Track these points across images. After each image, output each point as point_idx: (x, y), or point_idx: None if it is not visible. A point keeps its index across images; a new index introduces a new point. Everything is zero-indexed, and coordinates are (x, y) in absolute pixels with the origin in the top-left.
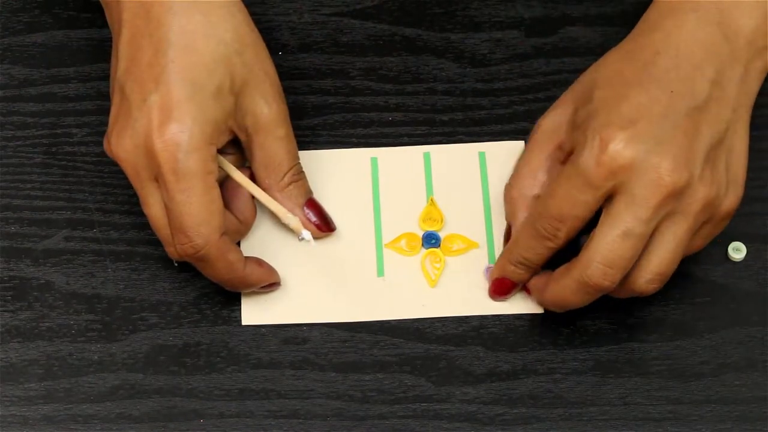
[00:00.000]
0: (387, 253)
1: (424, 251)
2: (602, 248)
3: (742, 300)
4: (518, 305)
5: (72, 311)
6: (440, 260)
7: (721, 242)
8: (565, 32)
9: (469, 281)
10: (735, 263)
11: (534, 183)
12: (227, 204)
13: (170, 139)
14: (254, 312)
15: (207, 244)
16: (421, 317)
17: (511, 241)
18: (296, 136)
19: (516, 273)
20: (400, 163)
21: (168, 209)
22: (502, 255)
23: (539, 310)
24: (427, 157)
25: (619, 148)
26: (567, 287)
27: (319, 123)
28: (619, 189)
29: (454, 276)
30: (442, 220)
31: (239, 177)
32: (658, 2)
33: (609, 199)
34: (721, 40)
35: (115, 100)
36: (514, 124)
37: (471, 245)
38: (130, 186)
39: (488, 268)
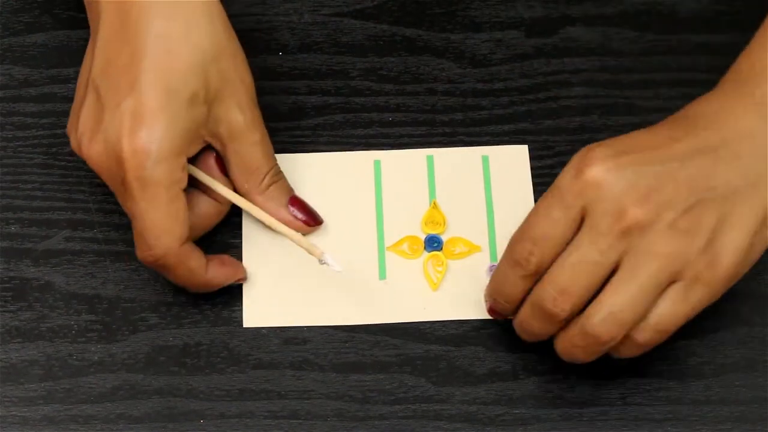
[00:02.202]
0: (389, 256)
1: (426, 254)
2: (555, 273)
3: (742, 300)
4: None
5: (72, 312)
6: (442, 263)
7: None
8: (565, 32)
9: (472, 285)
10: None
11: None
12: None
13: (140, 147)
14: (256, 315)
15: (166, 253)
16: (424, 320)
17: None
18: (296, 136)
19: (501, 306)
20: (403, 166)
21: (131, 216)
22: (487, 285)
23: None
24: (430, 160)
25: (597, 169)
26: (525, 310)
27: (319, 123)
28: (586, 214)
29: (457, 279)
30: (444, 224)
31: (239, 199)
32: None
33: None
34: (758, 120)
35: (89, 99)
36: (514, 125)
37: (473, 249)
38: None
39: (491, 267)
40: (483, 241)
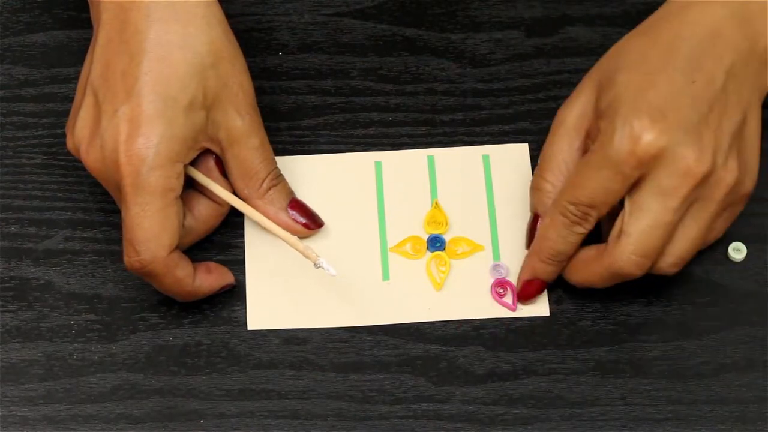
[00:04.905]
0: (392, 256)
1: (429, 255)
2: (634, 239)
3: (742, 300)
4: (524, 308)
5: (72, 311)
6: (445, 263)
7: (721, 242)
8: (565, 32)
9: (475, 284)
10: (735, 263)
11: (565, 173)
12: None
13: (135, 154)
14: (260, 317)
15: (153, 260)
16: (427, 321)
17: (537, 238)
18: (296, 136)
19: (547, 270)
20: (404, 166)
21: (123, 220)
22: (529, 256)
23: (545, 313)
24: (431, 160)
25: (651, 139)
26: (597, 274)
27: (319, 123)
28: (645, 177)
29: (460, 279)
30: (446, 223)
31: (236, 202)
32: None
33: (634, 186)
34: (742, 38)
35: (87, 102)
36: (514, 124)
37: (476, 248)
38: None
39: (495, 266)
40: (486, 240)
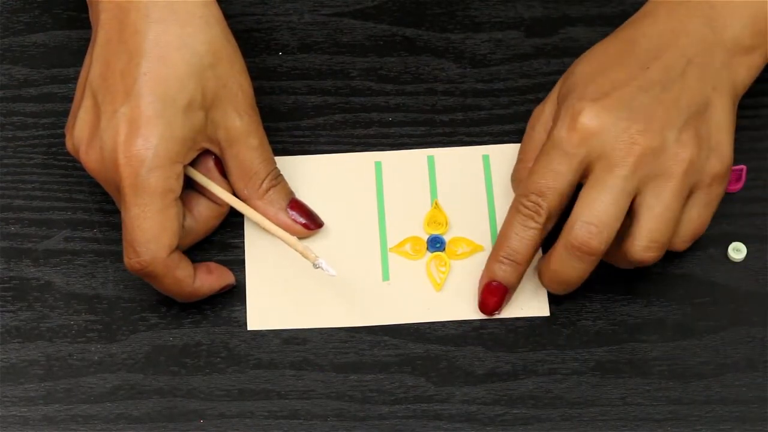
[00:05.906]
0: (392, 257)
1: (429, 255)
2: (584, 207)
3: (742, 300)
4: (524, 308)
5: (72, 311)
6: (445, 264)
7: (721, 242)
8: (565, 32)
9: (475, 285)
10: (735, 263)
11: None
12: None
13: (135, 155)
14: (260, 317)
15: (154, 261)
16: (427, 321)
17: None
18: (296, 136)
19: (505, 271)
20: (404, 166)
21: (123, 221)
22: (488, 259)
23: (545, 313)
24: (431, 160)
25: (590, 115)
26: (558, 258)
27: (319, 123)
28: (594, 158)
29: (460, 279)
30: (446, 224)
31: (236, 202)
32: None
33: (588, 173)
34: (708, 31)
35: (86, 103)
36: (514, 125)
37: (476, 248)
38: None
39: None
40: (486, 241)
